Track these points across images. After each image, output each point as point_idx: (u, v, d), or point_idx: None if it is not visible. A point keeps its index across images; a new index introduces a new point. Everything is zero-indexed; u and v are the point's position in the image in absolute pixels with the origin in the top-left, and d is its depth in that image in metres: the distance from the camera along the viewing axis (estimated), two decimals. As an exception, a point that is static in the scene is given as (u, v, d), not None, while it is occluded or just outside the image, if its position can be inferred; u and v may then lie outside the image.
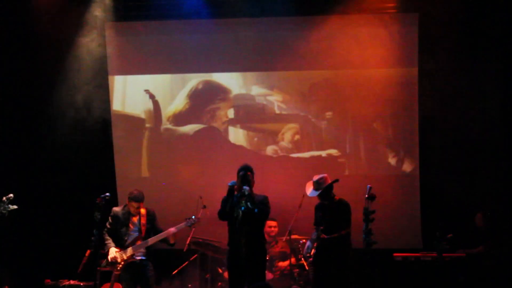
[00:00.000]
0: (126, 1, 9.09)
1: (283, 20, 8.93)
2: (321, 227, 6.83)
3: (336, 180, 7.13)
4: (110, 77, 9.24)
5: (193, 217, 7.30)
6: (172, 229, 7.12)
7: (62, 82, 9.13)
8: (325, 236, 6.80)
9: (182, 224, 7.22)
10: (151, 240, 7.05)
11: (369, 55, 8.78)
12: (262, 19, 8.93)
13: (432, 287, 7.39)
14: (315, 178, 7.12)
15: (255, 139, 9.25)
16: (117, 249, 7.00)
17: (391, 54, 8.74)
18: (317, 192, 7.03)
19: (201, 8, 8.90)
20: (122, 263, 6.96)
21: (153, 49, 9.19)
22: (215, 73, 9.29)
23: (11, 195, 6.70)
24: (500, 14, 8.50)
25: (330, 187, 7.12)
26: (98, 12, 9.02)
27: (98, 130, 9.27)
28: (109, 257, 6.97)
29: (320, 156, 9.09)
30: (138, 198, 7.13)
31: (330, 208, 7.06)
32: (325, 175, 7.15)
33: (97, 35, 9.09)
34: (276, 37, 8.99)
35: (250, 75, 9.25)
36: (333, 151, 9.07)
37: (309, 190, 7.14)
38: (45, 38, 8.90)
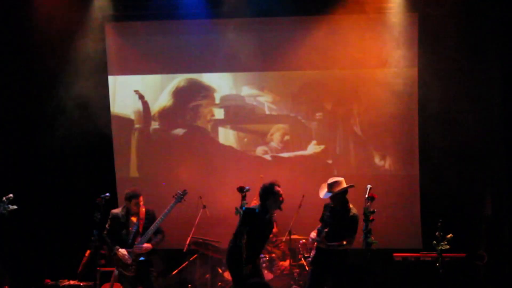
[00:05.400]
0: (125, 2, 9.10)
1: (276, 20, 8.93)
2: (326, 230, 6.72)
3: (351, 186, 6.83)
4: (109, 77, 9.26)
5: (179, 192, 7.23)
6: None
7: (62, 82, 9.13)
8: (326, 242, 6.69)
9: (172, 204, 7.14)
10: (148, 235, 6.95)
11: (368, 55, 8.78)
12: (254, 19, 8.94)
13: (432, 287, 7.38)
14: (329, 181, 6.87)
15: (245, 139, 9.25)
16: (124, 250, 6.92)
17: (391, 54, 8.74)
18: (329, 194, 6.81)
19: (192, 9, 8.86)
20: (134, 264, 6.89)
21: (145, 50, 9.19)
22: (205, 74, 9.29)
23: (11, 195, 6.71)
24: (500, 14, 8.49)
25: (343, 191, 6.84)
26: (98, 12, 9.02)
27: (98, 130, 9.27)
28: (123, 258, 6.88)
29: (309, 156, 9.09)
30: (137, 194, 7.06)
31: (340, 214, 6.82)
32: (341, 178, 6.87)
33: (97, 35, 9.08)
34: (268, 37, 9.00)
35: (240, 75, 9.24)
36: (323, 152, 9.07)
37: (323, 192, 6.90)
38: (44, 38, 8.89)
